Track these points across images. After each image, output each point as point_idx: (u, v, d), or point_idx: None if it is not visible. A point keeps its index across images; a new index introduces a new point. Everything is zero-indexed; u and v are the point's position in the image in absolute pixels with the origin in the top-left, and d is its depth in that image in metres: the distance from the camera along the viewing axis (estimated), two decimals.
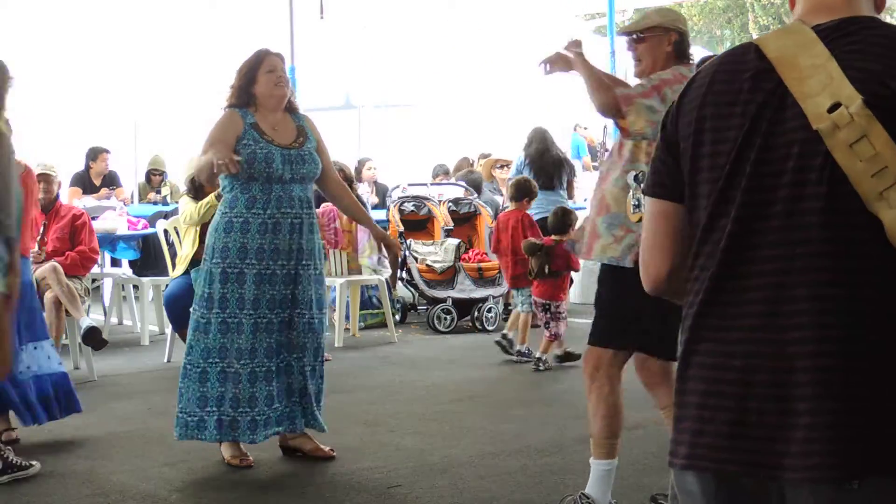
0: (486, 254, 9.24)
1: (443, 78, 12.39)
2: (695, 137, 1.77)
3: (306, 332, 4.78)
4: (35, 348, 5.28)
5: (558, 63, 4.05)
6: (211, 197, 7.07)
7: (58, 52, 10.85)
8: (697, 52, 14.64)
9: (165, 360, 7.45)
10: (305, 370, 4.81)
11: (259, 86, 4.80)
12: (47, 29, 11.05)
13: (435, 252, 9.27)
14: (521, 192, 7.89)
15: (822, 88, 1.65)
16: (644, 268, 1.90)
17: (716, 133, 1.75)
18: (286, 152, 4.72)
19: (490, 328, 8.87)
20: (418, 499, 4.41)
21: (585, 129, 15.40)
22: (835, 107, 1.63)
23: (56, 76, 10.77)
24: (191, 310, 4.82)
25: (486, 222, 9.40)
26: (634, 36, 3.88)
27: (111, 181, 10.52)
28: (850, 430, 1.60)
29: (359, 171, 10.87)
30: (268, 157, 4.67)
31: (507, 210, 8.23)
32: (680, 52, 3.87)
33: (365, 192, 10.45)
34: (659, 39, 3.83)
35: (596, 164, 15.00)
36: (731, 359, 1.69)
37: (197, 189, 7.28)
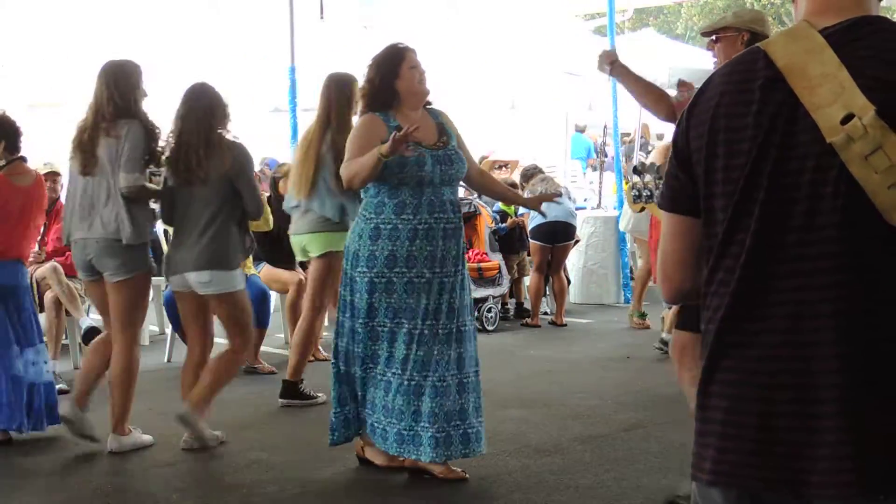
0: (486, 254, 9.23)
1: (443, 78, 12.39)
2: (708, 150, 1.75)
3: (466, 340, 4.53)
4: (37, 352, 5.30)
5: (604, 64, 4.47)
6: None
7: (58, 51, 10.85)
8: (697, 52, 14.62)
9: (165, 360, 7.45)
10: (467, 382, 4.53)
11: (402, 82, 4.51)
12: (47, 29, 11.06)
13: None
14: None
15: (834, 99, 1.62)
16: (667, 281, 1.89)
17: (729, 146, 1.72)
18: (435, 153, 4.46)
19: (490, 328, 8.86)
20: (418, 499, 4.41)
21: (584, 127, 15.41)
22: (848, 118, 1.60)
23: (56, 76, 10.77)
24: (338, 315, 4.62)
25: (486, 222, 9.39)
26: (712, 37, 4.13)
27: None
28: (875, 444, 1.59)
29: None
30: (419, 159, 4.38)
31: None
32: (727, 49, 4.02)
33: None
34: (732, 40, 4.03)
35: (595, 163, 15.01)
36: (754, 375, 1.68)
37: None
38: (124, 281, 5.03)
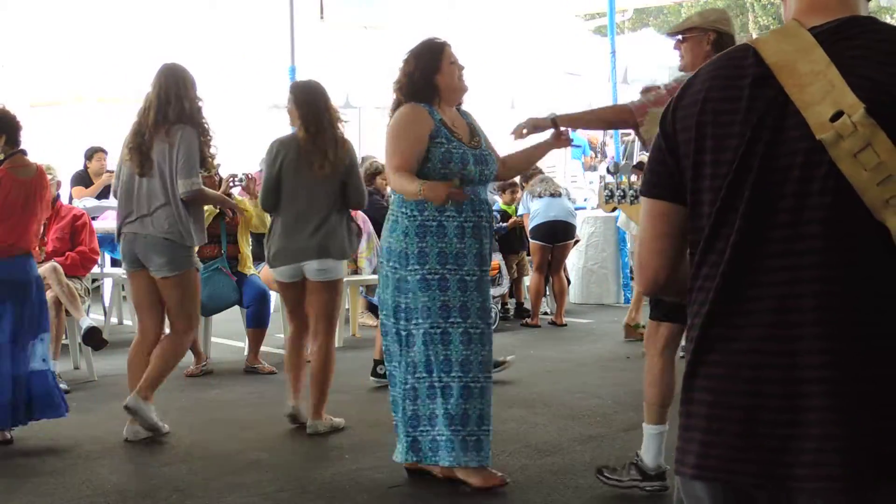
0: None
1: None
2: (696, 144, 1.75)
3: (488, 343, 4.46)
4: (42, 342, 5.30)
5: (531, 129, 4.53)
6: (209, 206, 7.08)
7: (58, 51, 10.84)
8: None
9: None
10: (467, 387, 4.39)
11: (443, 77, 4.44)
12: (47, 28, 11.05)
13: None
14: None
15: (824, 96, 1.63)
16: (641, 269, 1.89)
17: (717, 140, 1.73)
18: (474, 153, 4.42)
19: None
20: (418, 499, 4.41)
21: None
22: (837, 115, 1.61)
23: (56, 76, 10.76)
24: (385, 324, 4.49)
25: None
26: (679, 37, 4.29)
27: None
28: (861, 437, 1.60)
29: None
30: (463, 157, 4.35)
31: None
32: (720, 50, 4.05)
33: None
34: (699, 39, 4.21)
35: (596, 162, 15.00)
36: (739, 369, 1.69)
37: None
38: (173, 277, 5.26)
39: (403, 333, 4.40)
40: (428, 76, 4.43)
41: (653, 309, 4.38)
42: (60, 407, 5.32)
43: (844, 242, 1.63)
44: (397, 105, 4.50)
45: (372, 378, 6.61)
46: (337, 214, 5.35)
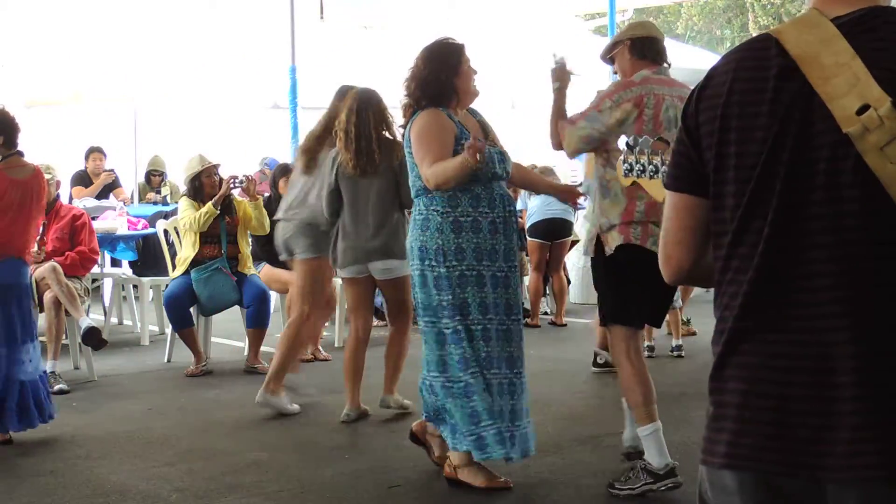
0: None
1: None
2: (720, 136, 1.75)
3: (519, 339, 4.48)
4: (34, 349, 5.30)
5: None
6: (209, 206, 7.09)
7: (58, 51, 10.84)
8: (697, 52, 14.69)
9: (165, 360, 7.45)
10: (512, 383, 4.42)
11: (462, 80, 4.43)
12: (46, 28, 11.05)
13: None
14: None
15: (850, 89, 1.63)
16: (666, 260, 1.90)
17: (742, 132, 1.72)
18: (495, 150, 4.42)
19: None
20: (418, 499, 4.41)
21: None
22: (863, 109, 1.61)
23: (56, 75, 10.77)
24: (423, 323, 4.43)
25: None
26: (609, 59, 4.65)
27: (113, 184, 10.52)
28: (894, 428, 1.60)
29: None
30: (489, 155, 4.31)
31: None
32: (640, 55, 4.45)
33: None
34: (620, 52, 4.52)
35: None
36: (772, 359, 1.69)
37: (196, 190, 7.29)
38: (308, 259, 5.91)
39: (447, 331, 4.34)
40: (449, 78, 4.41)
41: (601, 318, 4.48)
42: (48, 414, 5.34)
43: (875, 235, 1.63)
44: (415, 104, 4.44)
45: (594, 368, 6.99)
46: (397, 213, 5.57)
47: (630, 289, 4.29)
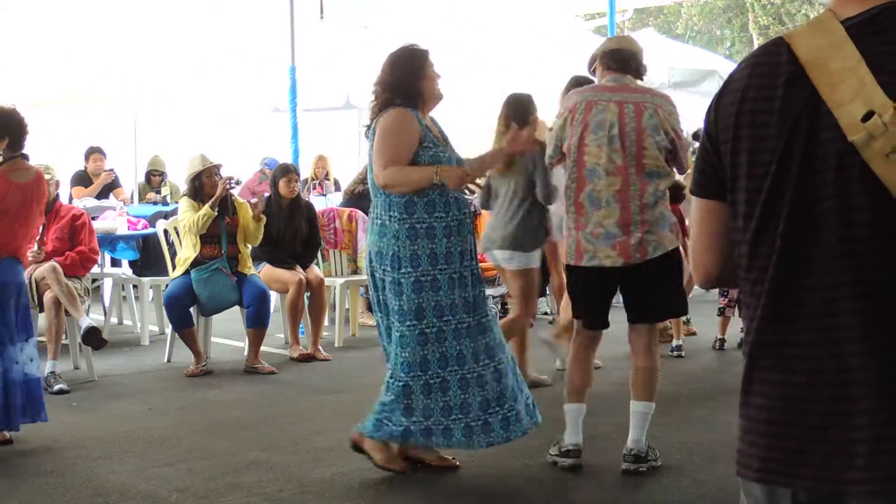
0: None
1: (442, 78, 12.40)
2: (733, 144, 1.75)
3: (488, 332, 4.59)
4: (30, 346, 5.30)
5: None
6: (206, 208, 7.09)
7: (58, 51, 10.85)
8: (697, 52, 14.61)
9: (165, 360, 7.45)
10: (501, 369, 4.59)
11: (427, 84, 4.56)
12: (47, 27, 11.05)
13: None
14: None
15: (855, 95, 1.60)
16: (695, 267, 1.91)
17: (753, 141, 1.72)
18: (456, 156, 4.57)
19: None
20: (418, 499, 4.41)
21: None
22: (868, 115, 1.58)
23: (56, 75, 10.77)
24: (395, 326, 4.53)
25: (486, 222, 9.38)
26: (592, 71, 4.95)
27: (113, 184, 10.53)
28: None
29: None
30: (449, 160, 4.49)
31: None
32: (607, 66, 4.75)
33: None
34: (597, 66, 4.83)
35: None
36: (793, 374, 1.69)
37: (196, 190, 7.29)
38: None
39: (397, 334, 4.47)
40: (414, 81, 4.52)
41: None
42: (42, 413, 5.34)
43: (885, 244, 1.62)
44: (383, 106, 4.54)
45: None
46: (528, 207, 5.91)
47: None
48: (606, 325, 4.89)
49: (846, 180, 1.63)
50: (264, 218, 7.37)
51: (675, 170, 4.81)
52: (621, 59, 4.68)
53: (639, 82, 4.73)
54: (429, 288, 4.43)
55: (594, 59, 4.84)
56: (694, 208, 1.89)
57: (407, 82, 4.51)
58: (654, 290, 4.67)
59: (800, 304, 1.68)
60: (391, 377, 4.54)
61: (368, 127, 4.62)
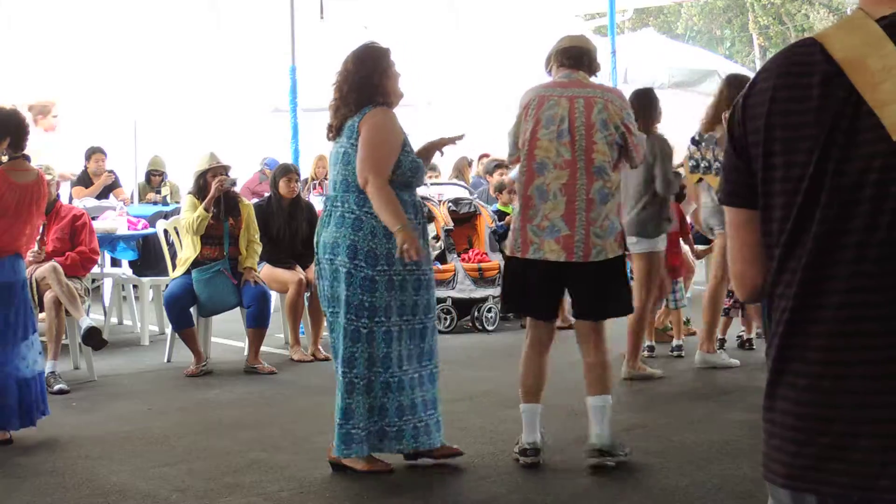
0: (486, 254, 9.23)
1: (443, 78, 12.39)
2: (765, 147, 1.70)
3: (432, 335, 4.67)
4: (31, 345, 5.31)
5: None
6: (201, 210, 7.09)
7: (56, 52, 10.84)
8: (697, 52, 14.65)
9: (165, 360, 7.45)
10: (434, 374, 4.70)
11: (391, 82, 4.56)
12: (46, 29, 11.04)
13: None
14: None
15: None
16: (739, 280, 1.85)
17: (788, 143, 1.67)
18: (419, 161, 4.61)
19: (490, 328, 8.86)
20: (418, 499, 4.41)
21: None
22: None
23: (56, 75, 10.76)
24: (344, 319, 4.49)
25: (486, 222, 9.39)
26: (548, 71, 4.98)
27: (113, 184, 10.52)
28: None
29: None
30: (421, 167, 4.61)
31: None
32: (560, 63, 4.83)
33: None
34: (552, 64, 4.90)
35: None
36: (820, 380, 1.66)
37: (201, 188, 7.28)
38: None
39: (364, 331, 4.47)
40: (381, 80, 4.51)
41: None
42: (45, 409, 5.36)
43: None
44: (359, 104, 4.48)
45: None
46: (649, 197, 6.36)
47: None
48: (553, 317, 4.94)
49: (888, 182, 1.59)
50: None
51: (628, 164, 4.87)
52: (574, 56, 4.79)
53: (592, 79, 4.83)
54: (398, 287, 4.49)
55: (549, 57, 4.94)
56: (729, 219, 1.83)
57: (375, 81, 4.50)
58: (597, 290, 4.74)
59: (827, 309, 1.65)
60: (355, 378, 4.54)
61: (332, 128, 4.57)
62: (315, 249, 4.66)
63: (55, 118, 9.66)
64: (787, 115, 1.67)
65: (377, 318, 4.47)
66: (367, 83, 4.49)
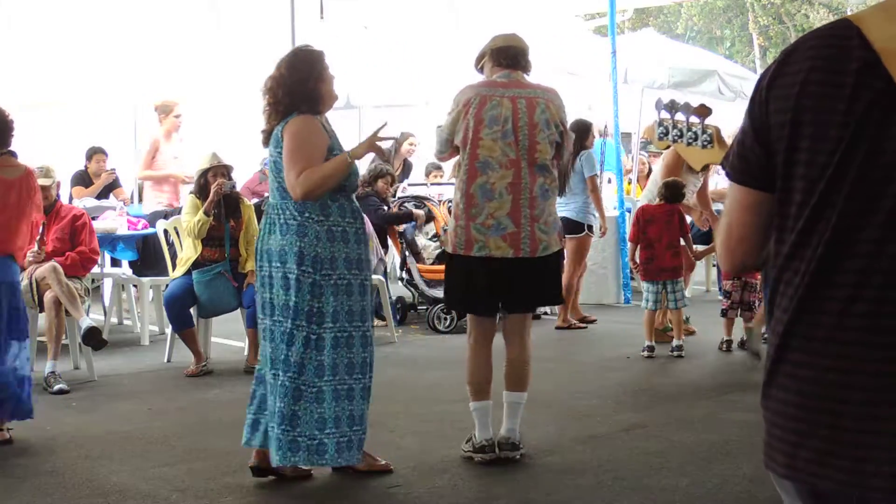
0: None
1: (442, 78, 12.39)
2: (791, 129, 1.66)
3: (369, 345, 4.57)
4: (21, 348, 5.30)
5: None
6: (200, 214, 7.09)
7: (58, 51, 10.84)
8: (697, 52, 14.70)
9: (165, 360, 7.45)
10: (367, 388, 4.56)
11: (326, 85, 4.53)
12: (44, 29, 11.04)
13: (430, 246, 9.33)
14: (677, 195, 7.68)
15: None
16: (729, 255, 1.83)
17: (816, 128, 1.63)
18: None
19: None
20: (418, 499, 4.41)
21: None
22: None
23: (56, 75, 10.76)
24: (289, 326, 4.40)
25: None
26: (479, 69, 5.08)
27: (113, 184, 10.52)
28: None
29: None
30: (356, 169, 4.57)
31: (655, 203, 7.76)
32: (497, 63, 4.92)
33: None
34: (486, 63, 4.99)
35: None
36: (826, 373, 1.63)
37: (202, 188, 7.28)
38: None
39: (313, 337, 4.39)
40: (315, 84, 4.48)
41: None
42: (30, 410, 5.34)
43: None
44: (286, 112, 4.44)
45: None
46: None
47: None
48: (496, 312, 4.97)
49: None
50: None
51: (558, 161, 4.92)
52: (511, 56, 4.88)
53: (527, 77, 4.91)
54: (343, 292, 4.40)
55: (482, 55, 4.98)
56: (734, 196, 1.79)
57: (308, 86, 4.46)
58: (535, 283, 4.84)
59: (840, 301, 1.62)
60: (303, 385, 4.42)
61: (266, 132, 4.53)
62: (256, 257, 4.55)
63: (178, 118, 9.70)
64: (820, 99, 1.63)
65: (324, 323, 4.40)
66: (300, 88, 4.45)
